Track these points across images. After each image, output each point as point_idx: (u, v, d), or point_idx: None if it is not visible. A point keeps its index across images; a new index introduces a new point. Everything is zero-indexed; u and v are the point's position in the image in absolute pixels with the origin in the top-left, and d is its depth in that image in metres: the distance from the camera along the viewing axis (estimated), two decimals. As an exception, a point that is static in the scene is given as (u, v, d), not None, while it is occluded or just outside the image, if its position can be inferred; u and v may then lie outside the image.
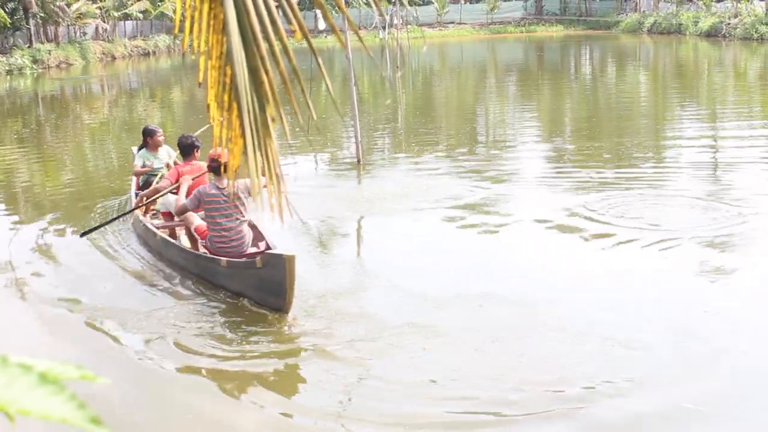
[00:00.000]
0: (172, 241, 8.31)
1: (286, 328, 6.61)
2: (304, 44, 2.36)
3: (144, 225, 8.83)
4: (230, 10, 2.26)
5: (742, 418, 5.04)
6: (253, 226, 8.10)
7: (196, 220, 8.08)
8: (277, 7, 2.38)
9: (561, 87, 27.49)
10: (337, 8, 2.48)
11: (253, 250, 7.70)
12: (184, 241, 8.57)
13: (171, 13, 48.67)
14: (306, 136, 15.08)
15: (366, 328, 6.43)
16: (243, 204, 7.51)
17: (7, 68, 38.98)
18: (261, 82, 2.29)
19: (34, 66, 40.18)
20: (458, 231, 9.30)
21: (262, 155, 2.32)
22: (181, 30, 2.43)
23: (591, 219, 9.29)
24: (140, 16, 51.17)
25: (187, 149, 8.73)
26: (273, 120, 2.33)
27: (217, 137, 2.36)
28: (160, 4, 51.46)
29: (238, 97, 2.26)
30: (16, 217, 11.10)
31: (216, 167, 7.54)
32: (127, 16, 50.18)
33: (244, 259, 7.25)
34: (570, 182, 11.50)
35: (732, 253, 8.10)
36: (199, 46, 2.37)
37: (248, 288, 7.14)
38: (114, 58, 47.44)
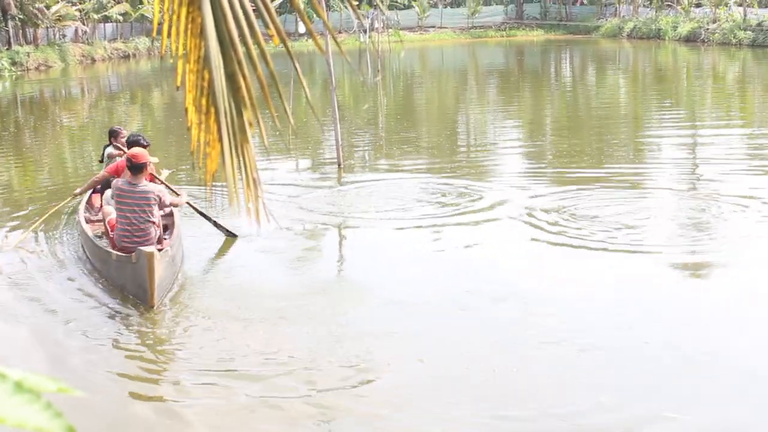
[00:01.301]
0: (87, 231, 8.43)
1: (261, 333, 6.55)
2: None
3: (77, 218, 9.05)
4: (208, 14, 2.26)
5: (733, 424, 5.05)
6: (171, 224, 8.40)
7: (112, 213, 8.21)
8: (254, 11, 2.38)
9: (541, 91, 27.60)
10: (317, 13, 2.48)
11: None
12: None
13: (151, 16, 48.44)
14: (285, 141, 15.07)
15: (346, 335, 6.40)
16: (150, 206, 7.66)
17: (-15, 70, 38.73)
18: (238, 86, 2.29)
19: (12, 68, 39.82)
20: (440, 235, 9.25)
21: (239, 159, 2.32)
22: (160, 33, 2.42)
23: (577, 228, 9.09)
24: (120, 18, 50.91)
25: (131, 147, 8.92)
26: (250, 125, 2.33)
27: (195, 141, 2.36)
28: (140, 6, 51.24)
29: (216, 102, 2.26)
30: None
31: (130, 167, 7.75)
32: (106, 19, 49.90)
33: (125, 254, 7.39)
34: (553, 185, 11.53)
35: (718, 254, 8.14)
36: (177, 50, 2.36)
37: (127, 281, 7.29)
38: (94, 60, 47.15)
